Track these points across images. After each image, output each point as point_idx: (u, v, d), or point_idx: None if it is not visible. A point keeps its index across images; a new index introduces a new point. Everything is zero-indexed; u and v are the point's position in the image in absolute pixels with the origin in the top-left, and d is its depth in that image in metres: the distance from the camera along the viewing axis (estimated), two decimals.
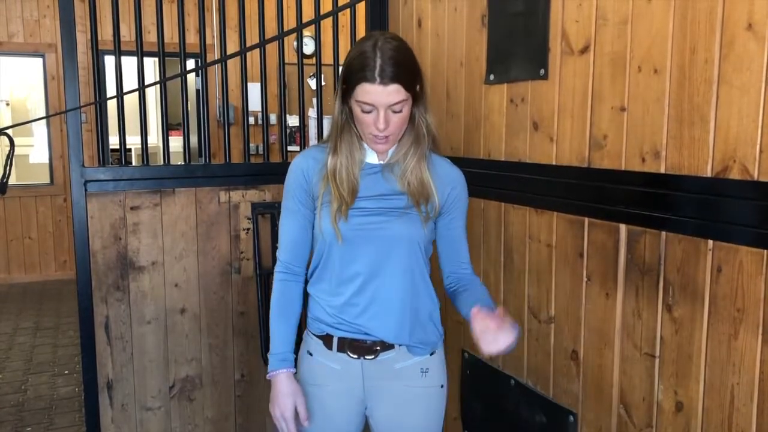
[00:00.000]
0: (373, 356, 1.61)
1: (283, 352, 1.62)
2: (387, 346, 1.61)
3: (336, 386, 1.64)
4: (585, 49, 1.71)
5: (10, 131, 2.39)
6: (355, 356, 1.61)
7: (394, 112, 1.49)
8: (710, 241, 1.39)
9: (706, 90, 1.38)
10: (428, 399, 1.66)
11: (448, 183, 1.61)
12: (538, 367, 1.95)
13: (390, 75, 1.45)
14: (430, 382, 1.65)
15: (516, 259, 2.04)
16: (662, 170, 1.49)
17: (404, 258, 1.58)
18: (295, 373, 1.63)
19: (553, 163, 1.84)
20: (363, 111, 1.49)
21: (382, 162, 1.59)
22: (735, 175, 1.32)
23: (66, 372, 4.28)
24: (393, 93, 1.46)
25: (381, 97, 1.46)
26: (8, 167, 2.39)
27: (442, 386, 1.68)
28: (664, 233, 1.50)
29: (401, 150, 1.58)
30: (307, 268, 1.67)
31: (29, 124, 7.58)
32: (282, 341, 1.62)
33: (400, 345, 1.61)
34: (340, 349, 1.62)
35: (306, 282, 1.68)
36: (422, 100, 1.56)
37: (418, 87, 1.52)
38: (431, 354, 1.65)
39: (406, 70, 1.48)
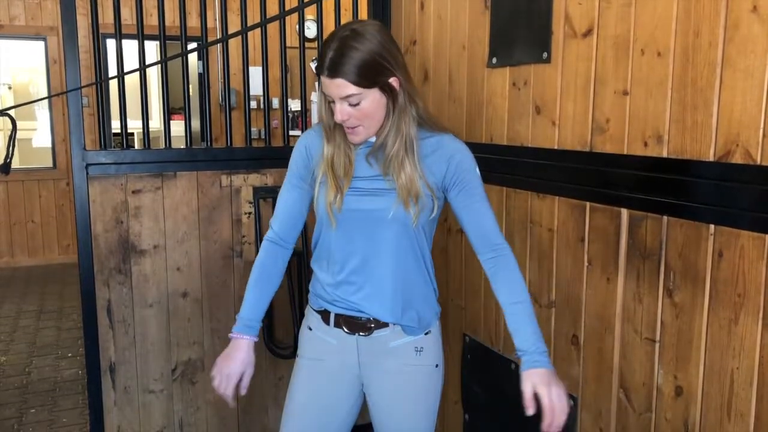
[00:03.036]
0: (366, 333, 1.64)
1: (251, 319, 1.67)
2: (381, 324, 1.63)
3: (333, 360, 1.69)
4: (588, 32, 1.69)
5: (12, 112, 2.38)
6: (350, 332, 1.65)
7: (351, 105, 1.49)
8: (712, 226, 1.38)
9: (709, 73, 1.37)
10: (423, 378, 1.67)
11: (443, 161, 1.57)
12: None
13: (333, 68, 1.47)
14: (425, 360, 1.66)
15: (517, 244, 2.03)
16: (665, 154, 1.48)
17: (396, 239, 1.58)
18: (256, 342, 1.68)
19: (555, 147, 1.83)
20: (329, 102, 1.53)
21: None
22: (738, 159, 1.32)
23: (69, 355, 4.31)
24: (340, 86, 1.47)
25: (331, 89, 1.49)
26: (11, 148, 2.39)
27: (437, 366, 1.69)
28: (665, 218, 1.49)
29: (381, 135, 1.55)
30: (307, 246, 1.69)
31: (32, 109, 7.57)
32: (253, 307, 1.68)
33: (394, 324, 1.63)
34: (337, 325, 1.66)
35: (295, 254, 1.74)
36: (401, 94, 1.53)
37: (387, 80, 1.49)
38: (426, 334, 1.67)
39: (351, 65, 1.46)
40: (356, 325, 1.64)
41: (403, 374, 1.66)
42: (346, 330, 1.65)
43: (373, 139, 1.58)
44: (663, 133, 1.49)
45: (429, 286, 1.69)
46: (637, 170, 1.55)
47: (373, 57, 1.48)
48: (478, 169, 1.61)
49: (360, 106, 1.50)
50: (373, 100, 1.51)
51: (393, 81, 1.52)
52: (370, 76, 1.48)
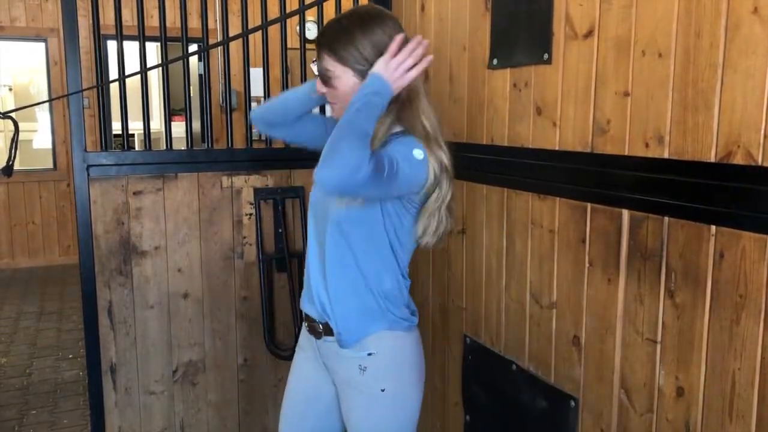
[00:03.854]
0: (317, 337, 1.67)
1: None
2: (329, 330, 1.62)
3: (309, 353, 1.75)
4: (589, 33, 1.69)
5: (13, 114, 2.38)
6: (309, 333, 1.70)
7: (324, 79, 1.55)
8: (713, 227, 1.38)
9: (710, 74, 1.37)
10: (367, 399, 1.62)
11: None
12: (540, 352, 1.95)
13: (318, 38, 1.57)
14: (369, 382, 1.61)
15: (518, 245, 2.03)
16: (666, 155, 1.48)
17: (334, 238, 1.58)
18: None
19: (556, 148, 1.83)
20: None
21: None
22: (739, 160, 1.32)
23: (70, 356, 4.31)
24: (318, 55, 1.56)
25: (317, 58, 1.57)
26: (14, 150, 2.39)
27: (383, 390, 1.60)
28: (666, 219, 1.49)
29: None
30: None
31: (32, 110, 7.58)
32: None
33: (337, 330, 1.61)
34: (304, 322, 1.73)
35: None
36: None
37: (364, 69, 1.51)
38: (369, 354, 1.60)
39: (330, 38, 1.53)
40: (311, 326, 1.68)
41: (349, 388, 1.64)
42: (307, 330, 1.71)
43: None
44: (664, 134, 1.49)
45: (365, 298, 1.60)
46: (638, 171, 1.55)
47: (355, 43, 1.51)
48: (410, 156, 1.48)
49: (333, 84, 1.54)
50: (346, 82, 1.53)
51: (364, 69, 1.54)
52: (344, 56, 1.52)
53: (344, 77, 1.52)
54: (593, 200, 1.71)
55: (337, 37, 1.52)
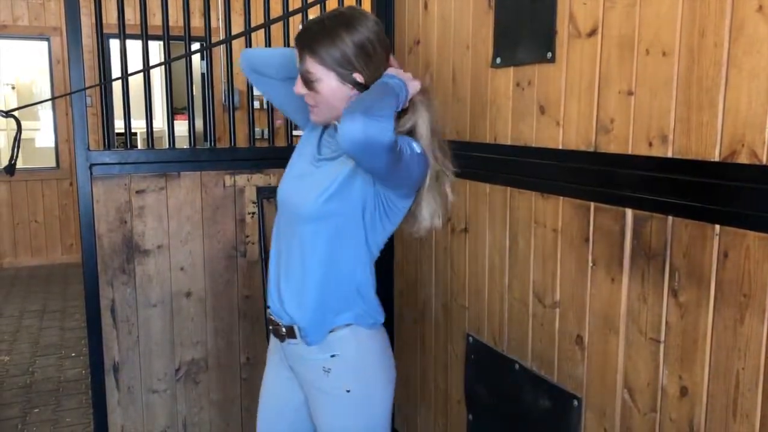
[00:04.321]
0: (281, 341, 1.65)
1: None
2: (291, 333, 1.60)
3: (276, 357, 1.74)
4: (592, 32, 1.69)
5: (16, 113, 2.38)
6: (275, 336, 1.68)
7: (305, 82, 1.51)
8: (717, 226, 1.38)
9: (714, 73, 1.36)
10: (333, 400, 1.61)
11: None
12: (543, 352, 1.95)
13: (299, 38, 1.50)
14: (333, 383, 1.60)
15: (521, 244, 2.03)
16: (669, 155, 1.48)
17: (302, 233, 1.55)
18: None
19: (560, 147, 1.83)
20: None
21: (336, 122, 1.53)
22: (743, 159, 1.31)
23: (73, 354, 4.32)
24: (300, 57, 1.50)
25: (299, 60, 1.52)
26: (16, 149, 2.40)
27: (348, 391, 1.60)
28: (670, 218, 1.49)
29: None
30: None
31: (35, 109, 7.58)
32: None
33: (299, 331, 1.59)
34: (269, 326, 1.70)
35: None
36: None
37: (348, 73, 1.48)
38: (332, 356, 1.59)
39: (312, 39, 1.47)
40: (275, 329, 1.65)
41: (315, 390, 1.64)
42: (272, 333, 1.68)
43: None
44: (668, 133, 1.48)
45: (331, 291, 1.58)
46: (642, 170, 1.55)
47: (338, 44, 1.46)
48: (411, 145, 1.48)
49: (315, 87, 1.50)
50: (328, 85, 1.48)
51: (357, 77, 1.49)
52: (326, 58, 1.46)
53: (326, 80, 1.48)
54: (597, 199, 1.71)
55: (319, 38, 1.45)
